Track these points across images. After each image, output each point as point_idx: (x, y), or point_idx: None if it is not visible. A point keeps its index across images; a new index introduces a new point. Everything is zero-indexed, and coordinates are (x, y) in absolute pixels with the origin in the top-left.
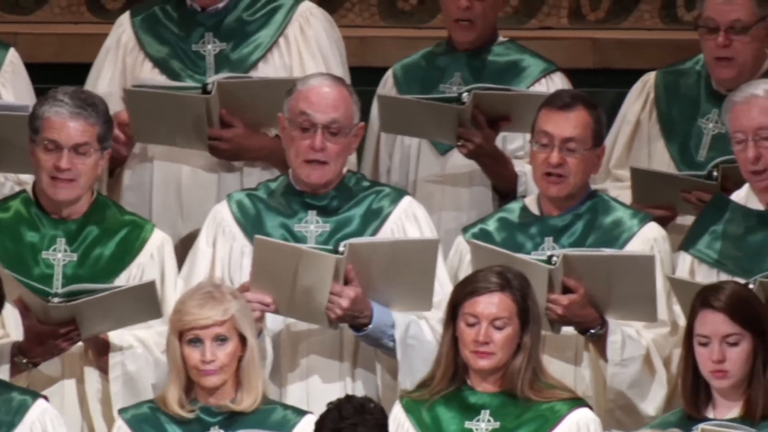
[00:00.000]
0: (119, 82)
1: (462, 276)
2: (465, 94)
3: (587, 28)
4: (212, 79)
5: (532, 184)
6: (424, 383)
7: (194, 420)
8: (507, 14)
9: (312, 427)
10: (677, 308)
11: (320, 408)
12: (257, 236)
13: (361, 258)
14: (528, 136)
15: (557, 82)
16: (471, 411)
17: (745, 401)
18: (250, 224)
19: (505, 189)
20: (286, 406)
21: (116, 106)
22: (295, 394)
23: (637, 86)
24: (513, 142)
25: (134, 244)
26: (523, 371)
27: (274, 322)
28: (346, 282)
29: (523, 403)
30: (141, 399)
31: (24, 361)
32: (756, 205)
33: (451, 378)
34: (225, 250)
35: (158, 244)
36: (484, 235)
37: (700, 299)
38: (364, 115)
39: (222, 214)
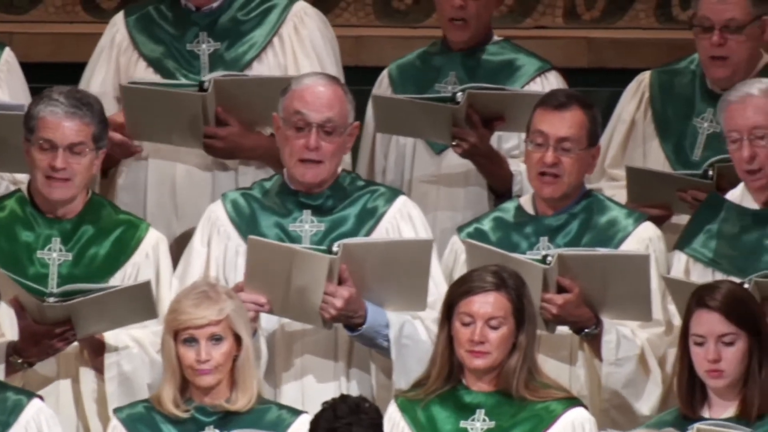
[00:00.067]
0: (113, 82)
1: (457, 275)
2: (459, 94)
3: (582, 27)
4: (209, 76)
5: (527, 183)
6: (419, 383)
7: (189, 419)
8: (502, 13)
9: (307, 426)
10: (672, 308)
11: (315, 408)
12: (251, 237)
13: (355, 258)
14: (523, 135)
15: (552, 81)
16: (466, 410)
17: (741, 401)
18: (245, 224)
19: (500, 188)
20: (281, 406)
21: (110, 105)
22: (289, 393)
23: (632, 86)
24: (508, 142)
25: (129, 243)
26: (519, 371)
27: (268, 321)
28: (341, 282)
29: (519, 402)
30: (136, 399)
31: (19, 361)
32: (751, 204)
33: (447, 377)
34: (220, 249)
35: (153, 243)
36: (479, 235)
37: (695, 299)
38: (359, 114)
39: (217, 214)
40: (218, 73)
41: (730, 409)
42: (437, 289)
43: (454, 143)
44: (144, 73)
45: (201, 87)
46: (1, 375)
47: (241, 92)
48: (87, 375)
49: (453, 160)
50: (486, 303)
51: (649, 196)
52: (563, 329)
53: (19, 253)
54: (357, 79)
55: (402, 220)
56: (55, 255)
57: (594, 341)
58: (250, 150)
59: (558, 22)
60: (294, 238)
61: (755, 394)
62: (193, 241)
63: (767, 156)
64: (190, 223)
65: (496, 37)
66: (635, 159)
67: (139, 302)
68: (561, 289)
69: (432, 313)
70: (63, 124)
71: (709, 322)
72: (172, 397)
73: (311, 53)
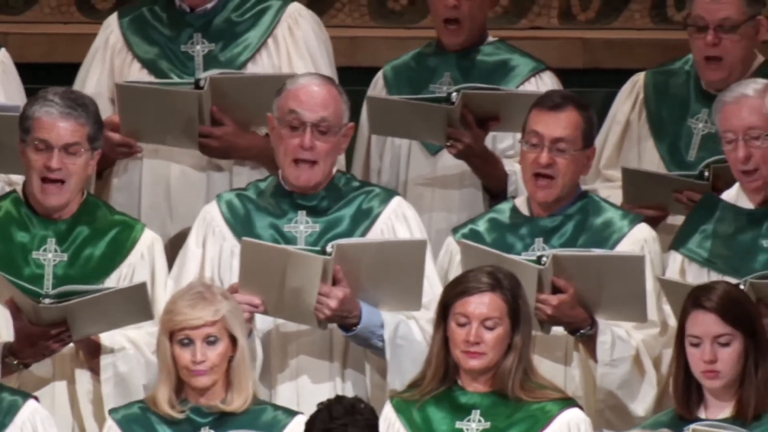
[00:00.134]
0: (107, 83)
1: (452, 276)
2: (454, 94)
3: (577, 28)
4: (205, 74)
5: (522, 183)
6: (414, 383)
7: (184, 420)
8: (497, 14)
9: (302, 427)
10: (667, 308)
11: (310, 408)
12: (244, 238)
13: (350, 259)
14: (518, 135)
15: (547, 81)
16: (462, 411)
17: (737, 401)
18: (240, 224)
19: (495, 189)
20: (276, 407)
21: (104, 107)
22: (285, 394)
23: (626, 86)
24: (503, 142)
25: (125, 244)
26: (514, 371)
27: (263, 322)
28: (335, 282)
29: (514, 403)
30: (132, 400)
31: (15, 362)
32: (746, 204)
33: (442, 378)
34: (215, 250)
35: (148, 243)
36: (474, 236)
37: (691, 300)
38: (354, 115)
39: (212, 215)
40: (214, 71)
41: (726, 410)
42: (432, 289)
43: (448, 144)
44: (138, 75)
45: (197, 85)
46: None
47: (236, 91)
48: (82, 376)
49: (448, 161)
50: (481, 304)
51: (644, 197)
52: (558, 330)
53: (14, 253)
54: (352, 79)
55: (397, 221)
56: (50, 256)
57: (589, 342)
58: (245, 150)
59: (553, 22)
60: (289, 239)
61: (751, 395)
62: (188, 242)
63: (762, 156)
64: (185, 223)
65: (490, 38)
66: (630, 160)
67: (135, 303)
68: (556, 290)
69: (427, 314)
70: (58, 125)
71: (705, 323)
72: (167, 398)
73: (305, 54)
